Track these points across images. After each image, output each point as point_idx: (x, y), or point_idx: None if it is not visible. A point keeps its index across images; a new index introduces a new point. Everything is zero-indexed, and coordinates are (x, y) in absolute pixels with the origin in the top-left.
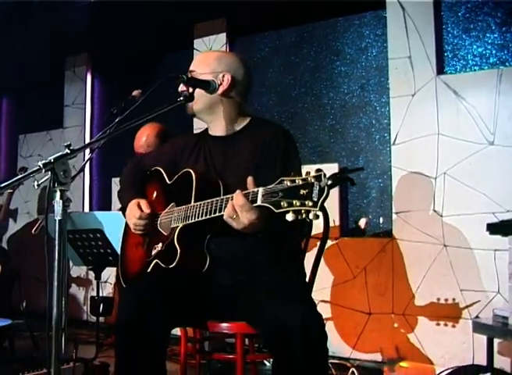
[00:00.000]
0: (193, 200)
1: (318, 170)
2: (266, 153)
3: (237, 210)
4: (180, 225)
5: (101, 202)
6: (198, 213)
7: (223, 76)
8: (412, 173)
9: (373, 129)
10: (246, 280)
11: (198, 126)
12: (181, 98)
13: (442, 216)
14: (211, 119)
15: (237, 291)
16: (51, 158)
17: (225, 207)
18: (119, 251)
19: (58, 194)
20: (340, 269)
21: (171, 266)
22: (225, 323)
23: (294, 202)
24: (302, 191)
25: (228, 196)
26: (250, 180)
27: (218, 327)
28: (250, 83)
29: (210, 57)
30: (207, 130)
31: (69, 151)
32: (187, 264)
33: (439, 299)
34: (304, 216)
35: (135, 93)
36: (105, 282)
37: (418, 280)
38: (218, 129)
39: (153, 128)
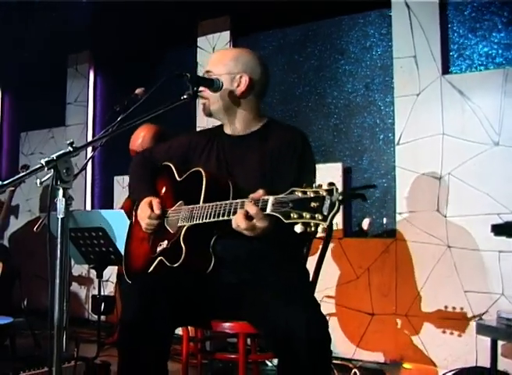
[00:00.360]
0: (201, 200)
1: (331, 184)
2: (282, 156)
3: (247, 220)
4: (187, 224)
5: (103, 201)
6: (206, 215)
7: (240, 78)
8: (416, 173)
9: (377, 128)
10: (251, 281)
11: (201, 124)
12: (185, 97)
13: (446, 216)
14: (228, 120)
15: (242, 291)
16: (54, 155)
17: (234, 212)
18: (121, 249)
19: (60, 192)
20: (343, 269)
21: (175, 265)
22: (228, 323)
23: (304, 214)
24: (313, 204)
25: (237, 201)
26: (262, 192)
27: (221, 327)
28: (268, 83)
29: (226, 57)
30: (222, 127)
31: (71, 149)
32: (192, 264)
33: (442, 301)
34: (312, 228)
35: (138, 91)
36: (107, 281)
37: (422, 281)
38: (233, 129)
39: (149, 130)
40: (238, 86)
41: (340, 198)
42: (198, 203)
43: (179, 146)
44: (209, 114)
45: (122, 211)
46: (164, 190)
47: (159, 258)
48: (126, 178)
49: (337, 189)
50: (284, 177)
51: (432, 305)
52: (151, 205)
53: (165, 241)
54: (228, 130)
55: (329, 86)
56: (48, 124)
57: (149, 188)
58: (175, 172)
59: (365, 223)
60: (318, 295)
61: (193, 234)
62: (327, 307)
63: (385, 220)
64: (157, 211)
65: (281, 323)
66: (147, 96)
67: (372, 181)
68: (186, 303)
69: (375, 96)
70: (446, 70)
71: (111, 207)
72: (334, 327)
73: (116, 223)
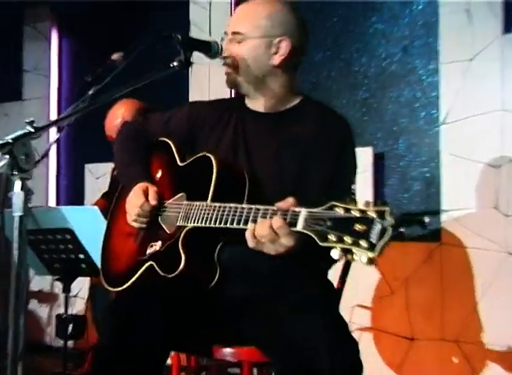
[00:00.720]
0: (210, 198)
1: (384, 203)
2: (319, 146)
3: (267, 235)
4: (189, 226)
5: (71, 195)
6: (215, 218)
7: (280, 42)
8: (468, 160)
9: (417, 104)
10: (262, 297)
11: (196, 100)
12: (175, 64)
13: (507, 215)
14: (257, 94)
15: (252, 308)
16: (9, 137)
17: (253, 220)
18: (94, 256)
19: (17, 183)
20: (374, 281)
21: (170, 275)
22: (230, 349)
23: (345, 238)
24: (358, 227)
25: (258, 207)
26: (292, 201)
27: (221, 353)
28: (307, 47)
29: (259, 14)
30: (243, 99)
31: (32, 130)
32: (192, 276)
33: (503, 323)
34: (354, 257)
35: (115, 56)
36: (75, 296)
37: (476, 297)
38: (261, 104)
39: (129, 106)
40: (276, 53)
41: (394, 223)
42: (205, 200)
43: (182, 119)
44: (234, 85)
45: (96, 207)
46: (159, 174)
47: (149, 262)
48: (100, 166)
49: (391, 212)
50: (316, 173)
51: (489, 329)
52: (146, 193)
53: (159, 242)
54: (252, 105)
55: (357, 50)
56: (0, 98)
57: (143, 170)
58: (175, 153)
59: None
60: (342, 315)
61: (196, 238)
62: (353, 329)
63: (427, 220)
64: (153, 201)
65: (299, 347)
66: (127, 63)
67: (411, 170)
68: (182, 321)
69: (414, 62)
70: (508, 28)
71: (81, 203)
72: (363, 355)
73: (88, 223)
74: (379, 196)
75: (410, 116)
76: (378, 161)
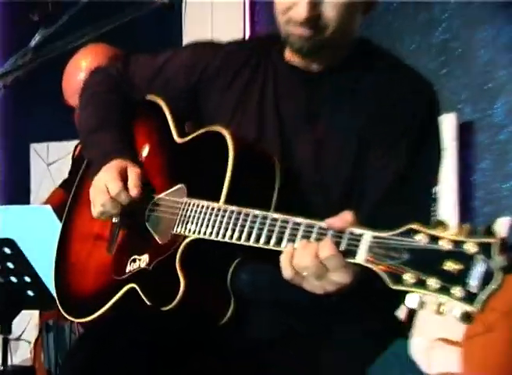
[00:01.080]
0: (223, 197)
1: (488, 231)
2: (386, 125)
3: (311, 267)
4: (192, 236)
5: (12, 189)
6: (231, 230)
7: None
8: None
9: None
10: (301, 333)
11: None
12: None
13: None
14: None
15: (282, 347)
16: None
17: (290, 239)
18: (45, 278)
19: None
20: None
21: (164, 308)
22: None
23: (429, 282)
24: (449, 265)
25: (298, 220)
26: (350, 217)
27: None
28: None
29: None
30: (277, 44)
31: None
32: (195, 309)
33: None
34: (441, 309)
35: None
36: (18, 339)
37: None
38: (309, 60)
39: (98, 54)
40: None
41: (507, 265)
42: (216, 199)
43: (181, 68)
44: (312, 53)
45: (49, 207)
46: (146, 152)
47: (130, 285)
48: (54, 147)
49: (504, 246)
50: (380, 170)
51: None
52: (123, 176)
53: (145, 256)
54: (291, 57)
55: None
56: None
57: (121, 138)
58: (171, 122)
59: (501, 228)
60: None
61: (201, 255)
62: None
63: None
64: (134, 190)
65: None
66: None
67: None
68: (175, 362)
69: None
70: None
71: (26, 200)
72: None
73: (38, 229)
74: (466, 186)
75: (511, 67)
76: (465, 134)
